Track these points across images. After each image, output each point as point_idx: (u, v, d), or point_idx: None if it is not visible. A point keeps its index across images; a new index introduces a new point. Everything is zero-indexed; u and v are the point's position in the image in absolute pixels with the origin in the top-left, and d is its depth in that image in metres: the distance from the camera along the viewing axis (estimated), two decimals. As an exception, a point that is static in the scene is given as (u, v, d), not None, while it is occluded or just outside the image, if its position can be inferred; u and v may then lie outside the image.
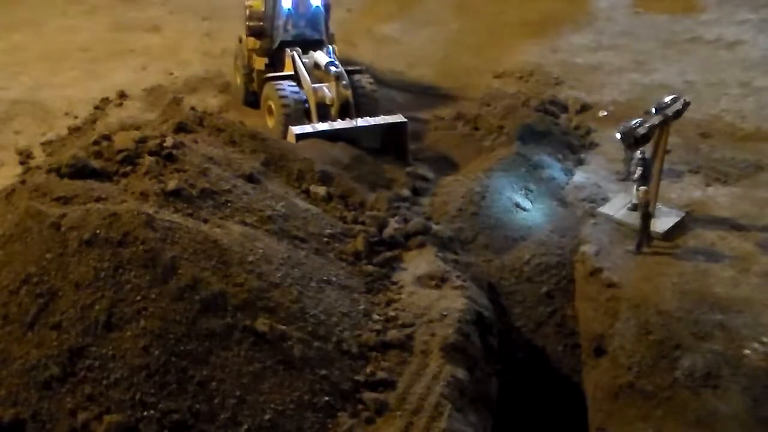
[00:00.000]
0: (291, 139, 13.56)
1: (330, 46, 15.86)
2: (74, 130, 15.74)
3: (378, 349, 9.02)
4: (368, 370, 8.68)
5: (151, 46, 21.35)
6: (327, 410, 8.01)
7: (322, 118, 14.26)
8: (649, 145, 11.90)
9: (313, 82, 14.71)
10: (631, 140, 11.57)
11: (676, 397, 9.49)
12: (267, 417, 7.63)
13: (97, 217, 8.37)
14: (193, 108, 14.25)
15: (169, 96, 16.29)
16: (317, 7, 16.24)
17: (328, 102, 14.43)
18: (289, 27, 16.26)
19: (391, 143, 14.18)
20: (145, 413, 7.22)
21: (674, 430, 9.31)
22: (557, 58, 20.46)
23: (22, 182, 10.20)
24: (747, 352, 9.71)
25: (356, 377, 8.52)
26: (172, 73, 19.20)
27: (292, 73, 15.27)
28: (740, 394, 9.27)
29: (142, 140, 10.72)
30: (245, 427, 7.50)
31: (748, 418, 9.09)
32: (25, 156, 14.61)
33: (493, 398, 9.67)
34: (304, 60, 15.23)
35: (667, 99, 12.16)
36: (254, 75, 16.50)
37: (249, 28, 16.43)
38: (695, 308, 10.42)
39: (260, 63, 16.35)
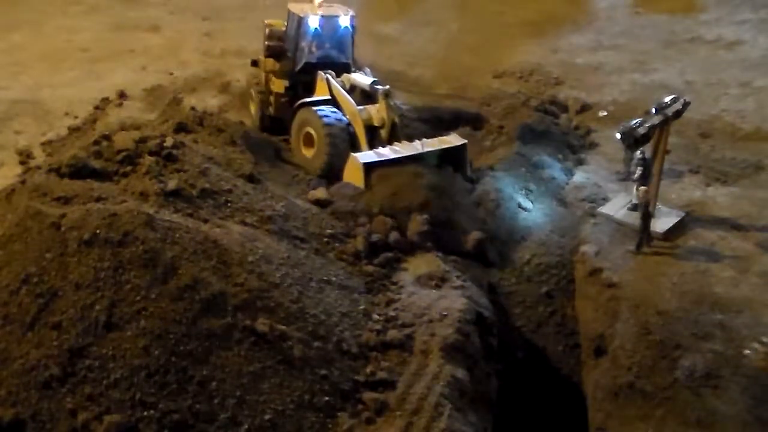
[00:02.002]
0: (355, 168, 12.29)
1: (365, 68, 15.08)
2: (74, 130, 15.74)
3: (378, 349, 9.03)
4: (368, 370, 8.68)
5: (151, 46, 21.37)
6: (327, 410, 8.01)
7: (370, 142, 13.26)
8: (649, 145, 11.90)
9: None
10: (631, 140, 11.57)
11: (676, 397, 9.47)
12: (267, 417, 7.63)
13: (97, 217, 8.37)
14: (193, 108, 14.26)
15: (169, 96, 16.30)
16: (345, 28, 15.02)
17: (376, 123, 13.41)
18: (314, 48, 15.02)
19: (448, 161, 13.17)
20: (145, 413, 7.22)
21: (674, 430, 9.29)
22: (557, 58, 20.47)
23: (22, 182, 10.21)
24: (747, 352, 9.70)
25: (356, 377, 8.52)
26: (172, 73, 19.21)
27: (329, 97, 14.04)
28: (740, 394, 9.26)
29: (142, 140, 10.73)
30: (245, 427, 7.50)
31: (748, 418, 9.08)
32: (25, 156, 14.61)
33: (493, 398, 9.66)
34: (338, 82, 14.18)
35: (667, 99, 12.16)
36: (272, 98, 15.31)
37: (268, 48, 15.26)
38: (695, 308, 10.41)
39: (280, 86, 15.12)
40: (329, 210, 11.86)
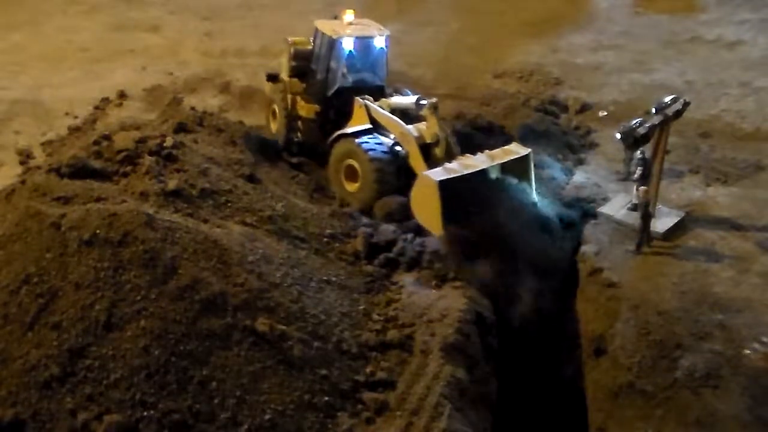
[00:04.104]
0: (429, 185, 10.94)
1: (404, 89, 14.28)
2: (74, 130, 15.74)
3: (378, 349, 9.03)
4: (368, 370, 8.69)
5: (151, 46, 21.39)
6: (327, 410, 8.01)
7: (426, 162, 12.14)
8: (649, 145, 11.90)
9: None
10: (631, 140, 11.57)
11: (676, 397, 9.47)
12: (267, 417, 7.63)
13: (97, 217, 8.37)
14: (193, 108, 14.24)
15: (169, 96, 16.30)
16: (381, 49, 13.99)
17: (429, 141, 12.28)
18: (347, 72, 13.91)
19: (512, 172, 12.35)
20: (145, 413, 7.22)
21: (674, 430, 9.29)
22: (557, 58, 20.47)
23: (22, 182, 10.21)
24: (747, 352, 9.70)
25: (356, 377, 8.52)
26: (172, 73, 19.22)
27: (368, 126, 12.95)
28: (740, 394, 9.26)
29: (142, 140, 10.74)
30: (245, 427, 7.50)
31: (748, 418, 9.08)
32: (25, 156, 14.61)
33: (493, 398, 9.66)
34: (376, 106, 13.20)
35: (667, 99, 12.16)
36: (299, 124, 14.31)
37: (294, 69, 14.24)
38: (695, 308, 10.41)
39: (309, 111, 14.07)
40: (329, 210, 11.87)
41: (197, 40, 21.89)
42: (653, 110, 12.01)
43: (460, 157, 11.96)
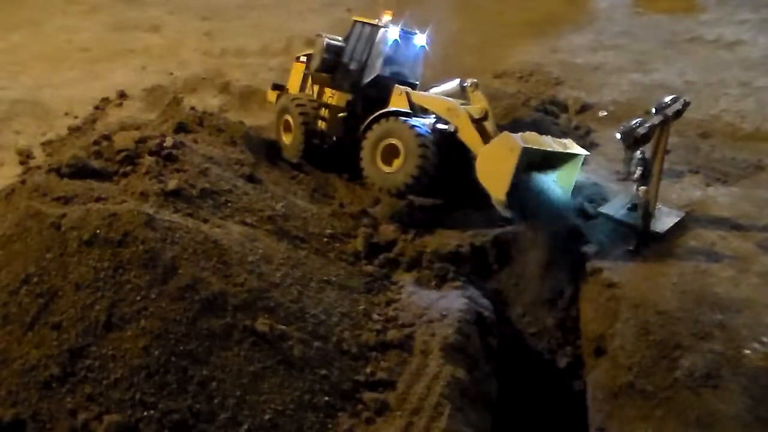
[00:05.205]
0: (513, 147, 10.85)
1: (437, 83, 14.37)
2: (74, 130, 15.76)
3: (378, 349, 9.03)
4: (368, 370, 8.69)
5: (151, 46, 21.41)
6: (327, 410, 8.02)
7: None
8: (649, 145, 11.90)
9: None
10: (631, 140, 11.58)
11: (676, 397, 9.47)
12: (267, 417, 7.63)
13: (97, 217, 8.36)
14: (193, 108, 14.25)
15: (169, 96, 16.31)
16: (422, 47, 14.37)
17: (477, 116, 12.37)
18: (387, 62, 13.99)
19: (560, 166, 12.56)
20: (145, 413, 7.21)
21: (674, 430, 9.29)
22: (557, 58, 20.48)
23: (22, 182, 10.19)
24: (747, 352, 9.69)
25: (356, 377, 8.52)
26: (172, 73, 19.24)
27: (408, 110, 13.01)
28: (740, 394, 9.26)
29: (142, 140, 10.74)
30: (245, 427, 7.50)
31: (748, 418, 9.07)
32: (25, 156, 14.62)
33: (493, 398, 9.66)
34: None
35: (667, 99, 12.16)
36: (325, 113, 14.10)
37: (324, 61, 14.09)
38: (695, 308, 10.40)
39: (340, 99, 14.02)
40: (329, 210, 11.88)
41: (197, 40, 21.91)
42: (653, 110, 12.01)
43: (529, 132, 11.89)
